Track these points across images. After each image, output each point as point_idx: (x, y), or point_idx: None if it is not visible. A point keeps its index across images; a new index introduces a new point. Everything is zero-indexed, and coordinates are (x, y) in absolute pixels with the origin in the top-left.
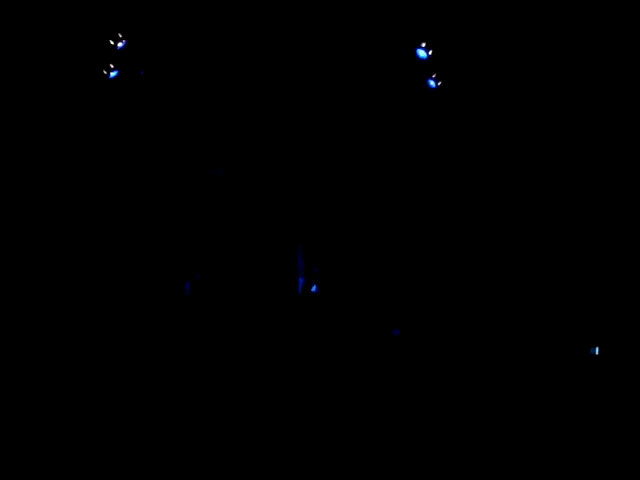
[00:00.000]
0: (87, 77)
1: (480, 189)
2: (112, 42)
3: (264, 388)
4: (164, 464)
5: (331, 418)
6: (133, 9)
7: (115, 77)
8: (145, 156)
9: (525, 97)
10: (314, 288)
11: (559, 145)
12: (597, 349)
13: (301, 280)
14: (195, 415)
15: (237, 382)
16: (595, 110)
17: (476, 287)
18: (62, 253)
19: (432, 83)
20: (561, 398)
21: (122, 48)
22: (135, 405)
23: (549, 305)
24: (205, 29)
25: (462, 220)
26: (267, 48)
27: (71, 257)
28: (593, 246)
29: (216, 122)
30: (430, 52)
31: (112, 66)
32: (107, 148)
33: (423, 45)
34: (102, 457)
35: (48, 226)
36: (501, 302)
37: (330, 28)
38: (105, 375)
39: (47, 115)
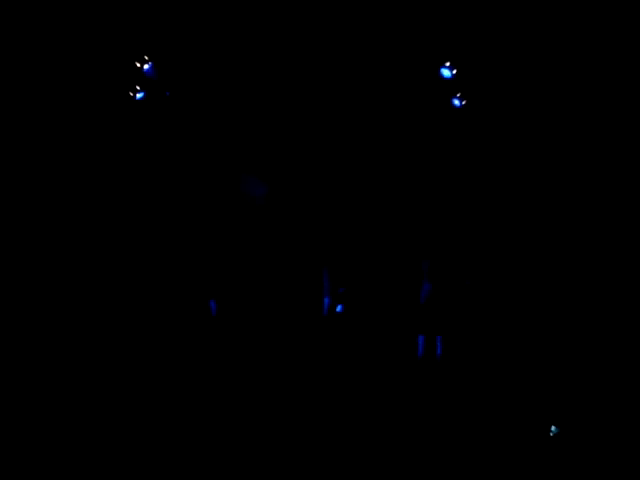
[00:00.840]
0: (114, 98)
1: (507, 209)
2: (138, 64)
3: (290, 407)
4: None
5: (357, 437)
6: (159, 32)
7: (142, 98)
8: (173, 176)
9: (550, 116)
10: (339, 308)
11: (588, 167)
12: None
13: (326, 300)
14: (220, 435)
15: (263, 401)
16: (619, 125)
17: (505, 312)
18: (88, 271)
19: (457, 102)
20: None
21: (148, 70)
22: (157, 425)
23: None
24: (231, 50)
25: (490, 242)
26: (293, 70)
27: (97, 275)
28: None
29: (244, 142)
30: (454, 71)
31: (138, 88)
32: (135, 168)
33: (447, 64)
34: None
35: (76, 246)
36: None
37: (357, 49)
38: (126, 393)
39: (75, 136)
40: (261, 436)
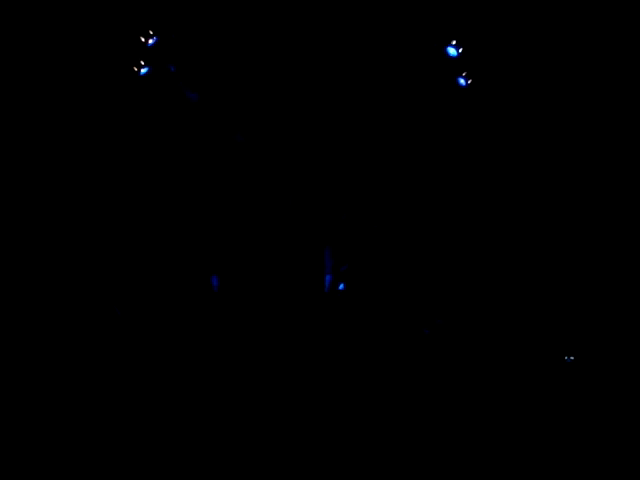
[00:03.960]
0: (118, 74)
1: (511, 192)
2: (143, 39)
3: (290, 386)
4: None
5: (357, 418)
6: (164, 6)
7: (146, 74)
8: (174, 151)
9: (555, 97)
10: (341, 286)
11: (596, 148)
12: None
13: (328, 277)
14: (219, 416)
15: (262, 379)
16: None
17: (507, 288)
18: (82, 250)
19: (462, 81)
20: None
21: (153, 45)
22: (155, 408)
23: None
24: (236, 27)
25: (491, 223)
26: (295, 49)
27: (92, 253)
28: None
29: (246, 121)
30: (460, 50)
31: (143, 63)
32: (137, 142)
33: (453, 43)
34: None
35: (69, 222)
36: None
37: (360, 31)
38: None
39: (78, 112)
40: (264, 415)
